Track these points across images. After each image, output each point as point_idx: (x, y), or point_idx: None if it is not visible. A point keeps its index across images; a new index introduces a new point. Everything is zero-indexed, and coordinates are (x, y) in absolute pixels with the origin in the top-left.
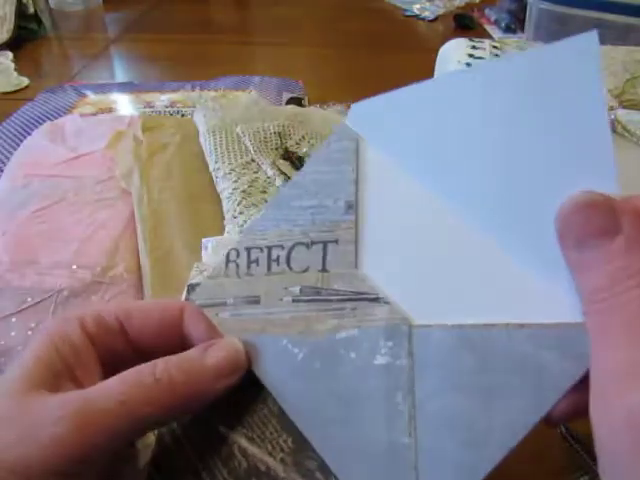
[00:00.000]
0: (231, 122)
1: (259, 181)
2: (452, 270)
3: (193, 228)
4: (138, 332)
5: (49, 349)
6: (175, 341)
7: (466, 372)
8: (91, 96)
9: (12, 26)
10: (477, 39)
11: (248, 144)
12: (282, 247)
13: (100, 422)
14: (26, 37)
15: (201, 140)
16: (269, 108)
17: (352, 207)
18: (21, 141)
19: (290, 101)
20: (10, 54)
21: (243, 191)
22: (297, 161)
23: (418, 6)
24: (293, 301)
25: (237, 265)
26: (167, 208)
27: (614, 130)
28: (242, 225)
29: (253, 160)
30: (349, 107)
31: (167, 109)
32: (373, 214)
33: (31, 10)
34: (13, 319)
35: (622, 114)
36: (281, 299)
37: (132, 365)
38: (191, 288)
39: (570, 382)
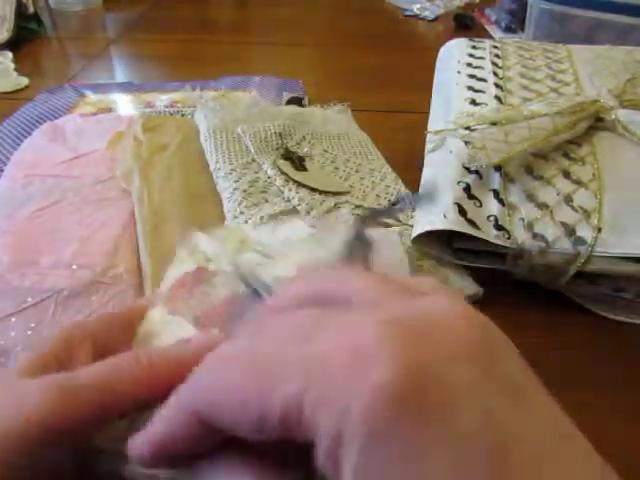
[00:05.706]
0: (232, 122)
1: (260, 181)
2: None
3: (193, 228)
4: None
5: None
6: None
7: None
8: (91, 96)
9: (12, 26)
10: (477, 39)
11: (249, 144)
12: None
13: (83, 396)
14: (26, 37)
15: (202, 140)
16: (269, 108)
17: None
18: (21, 141)
19: (290, 101)
20: (10, 54)
21: (244, 191)
22: (297, 161)
23: (418, 6)
24: None
25: None
26: (167, 208)
27: (614, 130)
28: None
29: (254, 160)
30: (349, 107)
31: (167, 109)
32: None
33: (31, 10)
34: (13, 319)
35: (622, 114)
36: None
37: None
38: None
39: None
